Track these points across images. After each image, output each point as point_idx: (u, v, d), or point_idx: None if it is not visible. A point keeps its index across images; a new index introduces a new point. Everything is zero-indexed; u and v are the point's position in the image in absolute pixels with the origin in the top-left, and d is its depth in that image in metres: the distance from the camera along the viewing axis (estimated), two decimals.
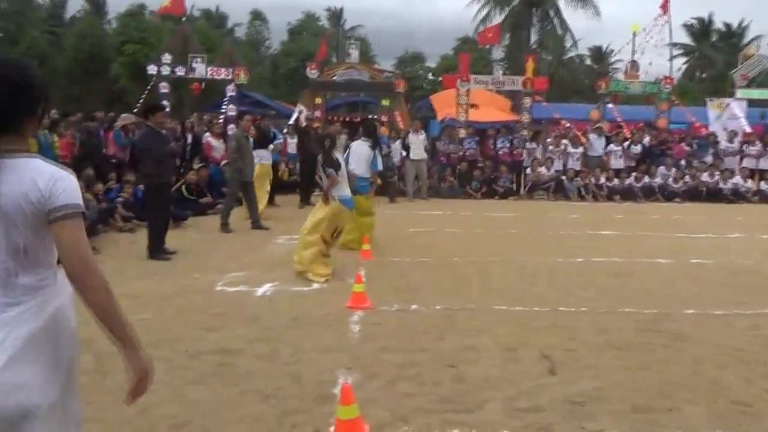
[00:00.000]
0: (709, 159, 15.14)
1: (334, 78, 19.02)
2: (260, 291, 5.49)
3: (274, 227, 8.96)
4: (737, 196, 14.14)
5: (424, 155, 13.23)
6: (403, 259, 6.97)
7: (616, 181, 14.17)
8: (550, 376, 3.59)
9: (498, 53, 35.17)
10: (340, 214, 6.10)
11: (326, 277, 5.87)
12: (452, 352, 3.96)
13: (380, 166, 7.53)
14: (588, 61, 41.71)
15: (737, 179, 14.46)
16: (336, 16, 43.14)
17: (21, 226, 1.64)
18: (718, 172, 14.52)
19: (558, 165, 14.40)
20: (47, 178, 1.64)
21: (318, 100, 18.82)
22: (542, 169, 14.24)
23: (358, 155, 7.46)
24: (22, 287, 1.66)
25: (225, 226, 8.67)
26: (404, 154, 13.38)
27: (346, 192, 6.21)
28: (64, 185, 1.65)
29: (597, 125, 15.61)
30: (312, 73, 18.57)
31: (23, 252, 1.66)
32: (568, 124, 16.92)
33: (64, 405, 1.73)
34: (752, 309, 5.13)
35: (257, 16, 41.08)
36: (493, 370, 3.65)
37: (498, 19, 34.34)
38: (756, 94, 18.60)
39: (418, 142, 13.11)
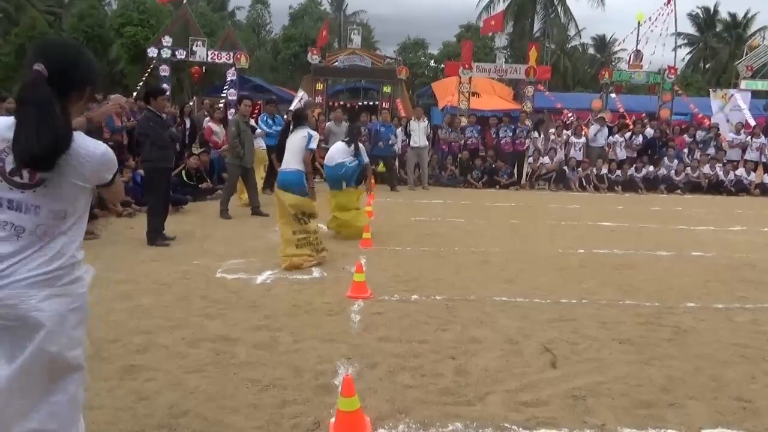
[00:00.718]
0: (711, 151, 15.08)
1: (336, 63, 18.89)
2: (260, 279, 5.45)
3: (274, 214, 8.91)
4: (739, 188, 14.10)
5: (425, 143, 13.14)
6: (404, 248, 6.93)
7: (618, 172, 14.11)
8: (552, 369, 3.56)
9: (501, 41, 34.97)
10: (280, 195, 6.01)
11: (303, 257, 5.81)
12: (453, 343, 3.93)
13: (366, 160, 7.48)
14: (591, 51, 41.46)
15: (740, 171, 14.42)
16: (338, 0, 42.74)
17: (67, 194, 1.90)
18: (719, 164, 14.47)
19: (560, 155, 14.34)
20: (99, 159, 1.92)
21: (319, 86, 18.70)
22: (545, 159, 14.17)
23: (332, 148, 7.50)
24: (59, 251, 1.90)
25: (224, 212, 8.62)
26: (405, 141, 13.31)
27: (283, 169, 6.08)
28: (108, 162, 1.96)
29: (599, 115, 15.53)
30: (314, 58, 18.42)
31: (62, 216, 1.91)
32: (570, 115, 16.84)
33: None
34: (752, 303, 5.10)
35: None
36: (495, 363, 3.62)
37: (501, 6, 34.07)
38: (760, 85, 18.52)
39: (419, 130, 13.01)
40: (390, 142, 12.82)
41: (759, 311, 4.88)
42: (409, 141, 13.14)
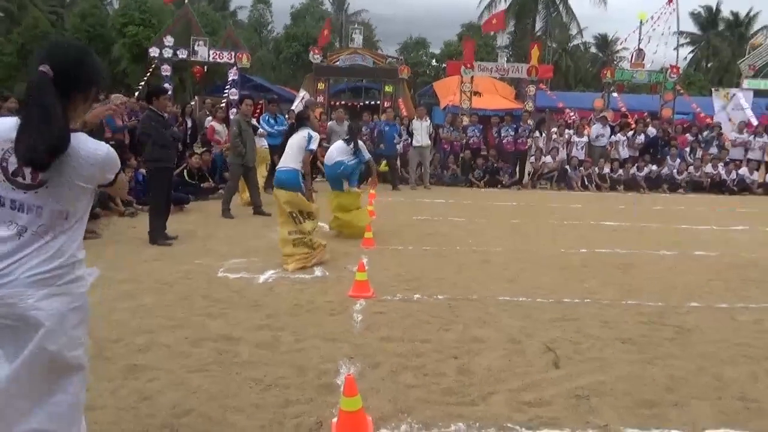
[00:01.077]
0: (714, 150, 15.05)
1: (338, 63, 18.89)
2: (262, 278, 5.45)
3: (276, 214, 8.89)
4: (741, 187, 14.07)
5: (428, 142, 13.14)
6: (406, 248, 6.93)
7: (620, 171, 14.08)
8: (555, 368, 3.55)
9: (503, 40, 34.94)
10: (276, 193, 6.05)
11: (300, 256, 5.78)
12: (456, 342, 3.92)
13: (367, 156, 7.46)
14: (593, 50, 41.40)
15: (743, 170, 14.38)
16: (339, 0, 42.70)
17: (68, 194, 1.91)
18: (722, 163, 14.44)
19: (562, 154, 14.31)
20: (101, 161, 1.93)
21: (321, 86, 18.68)
22: (547, 158, 14.15)
23: (332, 147, 7.53)
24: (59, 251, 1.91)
25: (226, 212, 8.62)
26: (408, 140, 13.31)
27: (280, 167, 6.09)
28: (110, 163, 1.97)
29: (601, 114, 15.50)
30: (315, 57, 18.41)
31: (64, 217, 1.93)
32: (572, 114, 16.81)
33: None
34: (756, 303, 5.09)
35: None
36: (498, 362, 3.61)
37: (503, 5, 34.04)
38: (762, 84, 18.49)
39: (422, 129, 13.01)
40: (395, 141, 12.86)
41: (762, 311, 4.86)
42: (412, 140, 13.14)
